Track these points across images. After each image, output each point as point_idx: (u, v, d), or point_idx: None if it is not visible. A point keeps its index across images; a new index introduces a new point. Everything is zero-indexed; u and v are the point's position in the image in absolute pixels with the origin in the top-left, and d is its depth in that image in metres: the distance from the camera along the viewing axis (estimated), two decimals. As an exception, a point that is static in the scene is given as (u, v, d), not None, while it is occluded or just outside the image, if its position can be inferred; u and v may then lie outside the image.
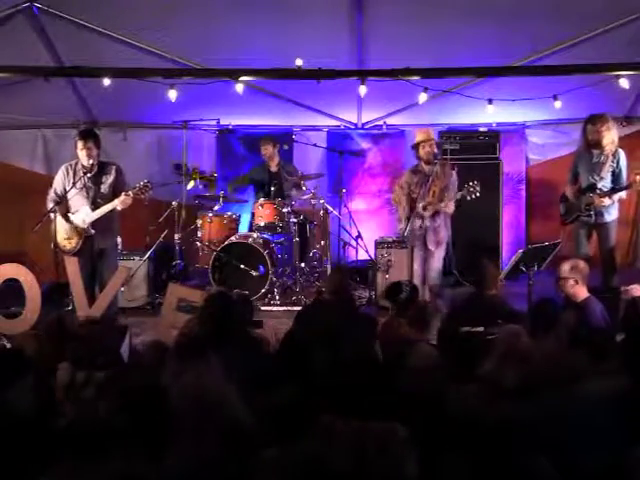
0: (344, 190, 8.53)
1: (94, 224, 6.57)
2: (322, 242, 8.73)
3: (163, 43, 7.58)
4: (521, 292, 6.73)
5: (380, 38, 7.54)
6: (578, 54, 7.31)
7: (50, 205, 6.62)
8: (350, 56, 7.72)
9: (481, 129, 9.03)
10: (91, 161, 6.52)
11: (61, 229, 6.68)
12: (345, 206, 8.46)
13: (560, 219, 7.36)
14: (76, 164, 6.62)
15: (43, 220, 7.57)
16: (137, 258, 7.95)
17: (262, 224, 8.17)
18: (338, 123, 9.34)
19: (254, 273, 7.86)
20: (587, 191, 6.92)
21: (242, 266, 7.82)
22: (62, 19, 7.19)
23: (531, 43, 7.51)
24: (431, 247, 6.96)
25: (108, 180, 6.62)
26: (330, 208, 8.54)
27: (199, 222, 8.29)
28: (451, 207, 6.93)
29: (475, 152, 8.81)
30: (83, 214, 6.58)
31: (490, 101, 7.41)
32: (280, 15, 7.23)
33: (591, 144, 6.82)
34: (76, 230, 6.62)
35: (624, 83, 6.56)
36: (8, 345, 5.97)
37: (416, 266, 7.03)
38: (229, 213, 8.48)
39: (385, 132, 9.40)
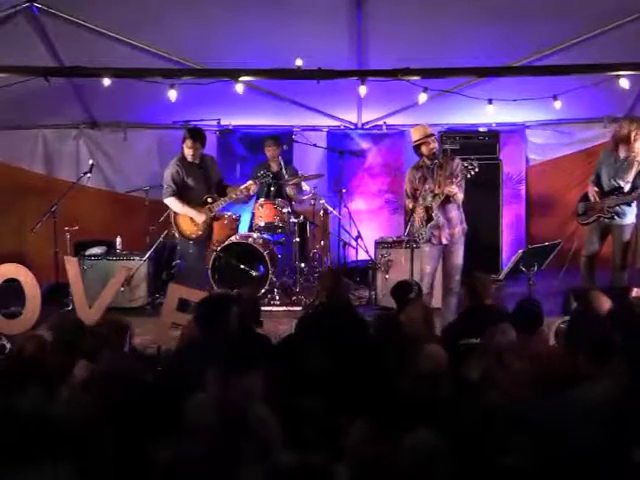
0: (344, 190, 8.54)
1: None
2: (322, 242, 8.72)
3: (163, 43, 7.59)
4: (521, 292, 6.74)
5: (380, 38, 7.54)
6: (578, 54, 7.32)
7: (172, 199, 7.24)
8: (350, 56, 7.72)
9: (481, 129, 9.01)
10: (197, 161, 7.24)
11: (185, 219, 7.26)
12: (345, 206, 8.46)
13: (577, 219, 7.41)
14: (184, 158, 7.23)
15: (43, 220, 7.62)
16: (137, 258, 7.95)
17: (262, 224, 8.16)
18: (338, 123, 9.33)
19: (254, 273, 7.86)
20: (611, 193, 6.99)
21: (242, 266, 7.81)
22: (62, 19, 7.19)
23: (531, 43, 7.52)
24: (445, 241, 6.69)
25: (213, 170, 7.43)
26: (330, 208, 8.54)
27: (199, 222, 8.27)
28: (457, 192, 6.62)
29: (475, 152, 8.75)
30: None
31: (490, 101, 7.40)
32: (280, 15, 7.24)
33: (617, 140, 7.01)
34: (205, 218, 7.27)
35: (624, 83, 6.57)
36: (8, 345, 5.98)
37: (428, 268, 6.72)
38: (229, 213, 8.46)
39: (385, 132, 9.39)
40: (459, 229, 6.76)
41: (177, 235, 7.42)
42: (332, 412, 3.37)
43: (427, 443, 2.89)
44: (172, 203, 7.31)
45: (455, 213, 6.74)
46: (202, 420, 3.18)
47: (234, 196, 7.45)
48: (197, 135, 7.27)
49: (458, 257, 6.76)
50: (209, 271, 7.90)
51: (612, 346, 3.95)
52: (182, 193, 7.28)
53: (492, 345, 4.20)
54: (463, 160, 6.80)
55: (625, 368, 3.69)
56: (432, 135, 6.86)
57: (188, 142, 7.19)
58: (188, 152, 7.21)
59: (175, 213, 7.34)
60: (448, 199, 6.66)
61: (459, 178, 6.65)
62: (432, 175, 6.76)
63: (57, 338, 4.64)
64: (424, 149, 6.78)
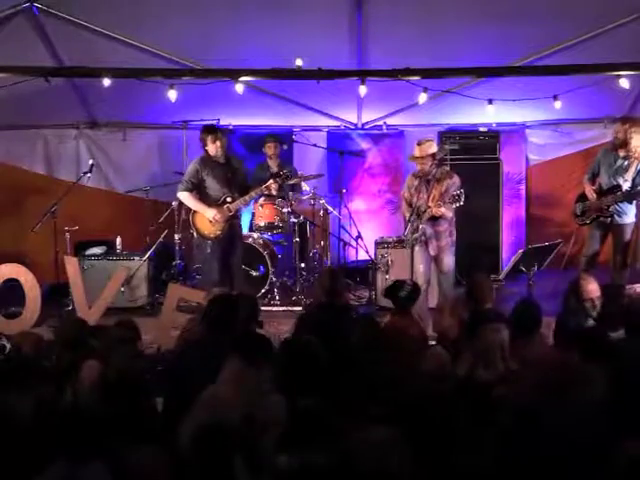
0: (344, 190, 8.54)
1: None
2: (322, 242, 8.73)
3: (163, 43, 7.59)
4: (521, 292, 6.74)
5: (380, 38, 7.54)
6: (578, 54, 7.31)
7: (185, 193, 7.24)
8: (350, 56, 7.72)
9: (481, 129, 9.02)
10: (222, 160, 7.19)
11: (203, 219, 7.21)
12: (345, 206, 8.46)
13: (575, 220, 7.41)
14: (208, 157, 7.19)
15: (43, 220, 7.62)
16: (137, 258, 7.95)
17: (262, 224, 8.15)
18: (338, 123, 9.33)
19: (254, 273, 7.86)
20: (610, 192, 7.00)
21: (242, 266, 7.81)
22: (62, 19, 7.19)
23: (531, 43, 7.51)
24: (432, 252, 6.79)
25: (239, 171, 7.38)
26: (330, 208, 8.54)
27: (199, 222, 8.27)
28: (446, 212, 6.68)
29: (475, 152, 8.80)
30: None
31: (490, 101, 7.41)
32: (280, 15, 7.23)
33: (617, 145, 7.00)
34: (214, 214, 7.16)
35: (624, 83, 6.57)
36: (8, 345, 5.98)
37: (421, 268, 6.80)
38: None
39: (385, 132, 9.39)
40: (447, 241, 6.84)
41: (195, 235, 7.40)
42: (331, 412, 3.36)
43: (385, 438, 2.89)
44: (184, 197, 7.32)
45: (444, 227, 6.82)
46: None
47: (254, 195, 7.42)
48: (218, 130, 7.26)
49: (447, 263, 6.86)
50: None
51: (602, 342, 3.96)
52: (200, 192, 7.28)
53: (481, 343, 4.20)
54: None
55: (623, 366, 3.69)
56: (429, 156, 6.75)
57: (211, 137, 7.13)
58: (216, 147, 7.13)
59: (193, 213, 7.32)
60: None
61: (450, 200, 6.65)
62: (426, 188, 6.80)
63: (60, 337, 4.64)
64: (417, 165, 6.88)
